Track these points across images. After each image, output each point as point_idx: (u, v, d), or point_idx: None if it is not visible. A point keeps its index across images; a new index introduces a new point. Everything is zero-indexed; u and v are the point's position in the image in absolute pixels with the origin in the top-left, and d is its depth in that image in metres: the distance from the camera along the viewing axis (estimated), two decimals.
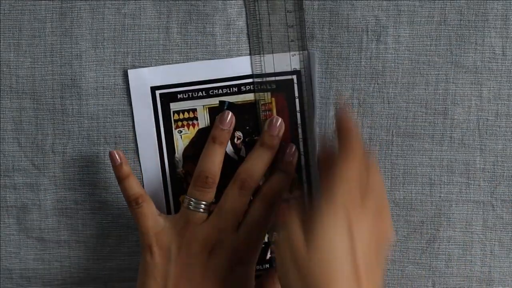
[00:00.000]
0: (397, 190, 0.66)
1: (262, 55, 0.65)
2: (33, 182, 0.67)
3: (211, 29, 0.65)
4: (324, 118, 0.66)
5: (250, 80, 0.65)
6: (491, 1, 0.64)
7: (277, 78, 0.65)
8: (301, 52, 0.65)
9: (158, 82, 0.65)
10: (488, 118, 0.66)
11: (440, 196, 0.67)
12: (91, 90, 0.66)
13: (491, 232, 0.67)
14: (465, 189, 0.67)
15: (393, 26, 0.65)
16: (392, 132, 0.66)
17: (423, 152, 0.66)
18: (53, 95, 0.66)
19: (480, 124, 0.66)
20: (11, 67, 0.66)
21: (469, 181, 0.67)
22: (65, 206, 0.67)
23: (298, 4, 0.64)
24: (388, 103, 0.66)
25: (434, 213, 0.67)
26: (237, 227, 0.62)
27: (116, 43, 0.65)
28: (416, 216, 0.67)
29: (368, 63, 0.65)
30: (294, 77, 0.65)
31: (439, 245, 0.67)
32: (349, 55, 0.65)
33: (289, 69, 0.65)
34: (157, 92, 0.65)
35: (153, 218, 0.63)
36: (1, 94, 0.66)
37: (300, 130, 0.66)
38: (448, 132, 0.66)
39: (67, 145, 0.66)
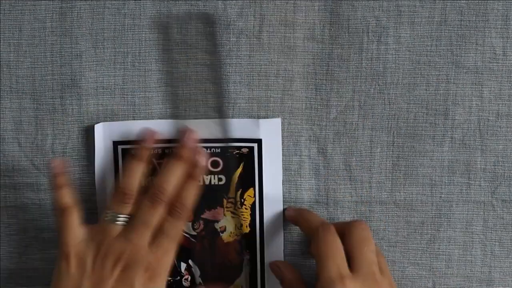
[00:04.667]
0: (397, 191, 0.66)
1: (226, 118, 0.66)
2: (33, 182, 0.67)
3: (211, 29, 0.65)
4: (324, 120, 0.66)
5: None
6: (491, 1, 0.64)
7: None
8: (266, 120, 0.66)
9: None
10: (489, 118, 0.66)
11: (440, 197, 0.67)
12: (91, 90, 0.66)
13: (491, 233, 0.67)
14: (465, 190, 0.67)
15: (394, 26, 0.65)
16: (393, 133, 0.66)
17: (424, 152, 0.66)
18: (53, 95, 0.66)
19: (481, 124, 0.66)
20: (11, 67, 0.65)
21: (470, 182, 0.67)
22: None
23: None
24: (389, 104, 0.66)
25: (435, 213, 0.67)
26: (149, 240, 0.62)
27: (116, 43, 0.65)
28: (417, 217, 0.67)
29: (369, 64, 0.65)
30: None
31: (439, 245, 0.67)
32: (349, 56, 0.65)
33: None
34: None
35: (75, 230, 0.63)
36: (1, 94, 0.66)
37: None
38: (449, 132, 0.66)
39: (67, 145, 0.66)
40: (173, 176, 0.64)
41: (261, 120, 0.66)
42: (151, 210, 0.63)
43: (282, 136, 0.66)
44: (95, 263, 0.61)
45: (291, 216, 0.66)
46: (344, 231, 0.61)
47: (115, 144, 0.66)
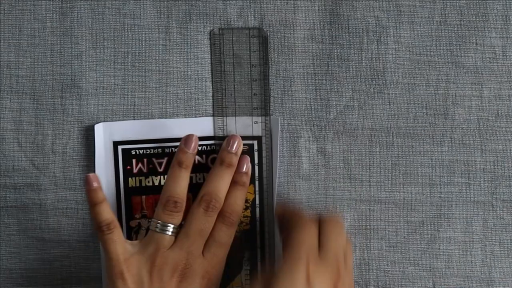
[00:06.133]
0: (397, 191, 0.66)
1: (225, 116, 0.66)
2: (33, 182, 0.67)
3: (211, 29, 0.65)
4: (324, 120, 0.66)
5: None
6: (491, 1, 0.64)
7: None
8: (263, 119, 0.66)
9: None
10: (489, 118, 0.66)
11: (440, 197, 0.67)
12: (91, 90, 0.66)
13: (491, 233, 0.67)
14: (465, 190, 0.67)
15: (394, 26, 0.65)
16: (393, 133, 0.66)
17: (423, 152, 0.66)
18: (53, 95, 0.66)
19: (481, 124, 0.66)
20: (11, 67, 0.65)
21: (470, 182, 0.66)
22: (65, 206, 0.67)
23: (263, 73, 0.65)
24: (389, 104, 0.66)
25: (434, 213, 0.67)
26: (203, 248, 0.63)
27: (116, 43, 0.65)
28: (416, 217, 0.67)
29: (369, 64, 0.65)
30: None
31: (439, 245, 0.67)
32: (349, 56, 0.65)
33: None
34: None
35: (122, 244, 0.62)
36: (1, 94, 0.66)
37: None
38: (449, 132, 0.66)
39: (67, 145, 0.66)
40: (224, 183, 0.64)
41: (260, 118, 0.66)
42: (206, 218, 0.62)
43: (282, 136, 0.66)
44: (152, 276, 0.61)
45: (278, 214, 0.66)
46: (319, 225, 0.61)
47: (116, 144, 0.66)
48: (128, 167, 0.66)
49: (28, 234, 0.68)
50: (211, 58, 0.65)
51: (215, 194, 0.63)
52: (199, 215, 0.62)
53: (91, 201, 0.62)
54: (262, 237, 0.67)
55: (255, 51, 0.65)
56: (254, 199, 0.67)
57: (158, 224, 0.62)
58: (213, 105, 0.66)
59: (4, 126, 0.66)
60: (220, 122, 0.66)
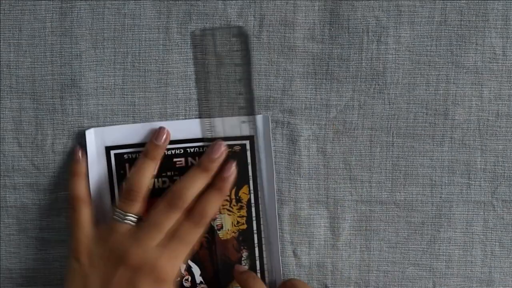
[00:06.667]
0: (397, 191, 0.66)
1: (211, 118, 0.66)
2: (33, 182, 0.67)
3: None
4: (324, 119, 0.66)
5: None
6: (491, 1, 0.64)
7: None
8: (251, 118, 0.65)
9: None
10: (489, 118, 0.66)
11: (440, 197, 0.67)
12: (91, 90, 0.66)
13: (491, 233, 0.67)
14: (465, 190, 0.67)
15: (394, 26, 0.65)
16: (393, 133, 0.66)
17: (424, 153, 0.66)
18: (53, 95, 0.66)
19: (481, 124, 0.66)
20: (11, 67, 0.65)
21: (470, 182, 0.66)
22: (65, 206, 0.67)
23: (247, 72, 0.65)
24: (389, 104, 0.66)
25: (435, 213, 0.67)
26: (159, 243, 0.62)
27: (116, 43, 0.65)
28: (417, 217, 0.67)
29: (369, 64, 0.65)
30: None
31: (439, 246, 0.67)
32: (349, 56, 0.65)
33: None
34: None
35: (86, 227, 0.63)
36: (1, 94, 0.66)
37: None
38: (449, 132, 0.66)
39: (67, 145, 0.66)
40: (195, 185, 0.63)
41: (249, 117, 0.66)
42: (166, 213, 0.62)
43: (282, 135, 0.66)
44: (103, 260, 0.62)
45: (237, 276, 0.66)
46: None
47: (108, 149, 0.66)
48: (122, 172, 0.66)
49: (28, 234, 0.68)
50: (194, 59, 0.65)
51: (181, 193, 0.63)
52: (159, 209, 0.63)
53: (70, 171, 0.64)
54: (259, 236, 0.67)
55: (237, 51, 0.65)
56: (250, 199, 0.67)
57: (117, 212, 0.63)
58: (198, 107, 0.66)
59: (4, 126, 0.66)
60: (207, 123, 0.66)
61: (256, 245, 0.67)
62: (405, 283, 0.68)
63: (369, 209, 0.67)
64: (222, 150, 0.64)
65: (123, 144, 0.66)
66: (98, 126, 0.66)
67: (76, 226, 0.63)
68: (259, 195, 0.67)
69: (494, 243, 0.67)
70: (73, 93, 0.66)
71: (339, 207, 0.67)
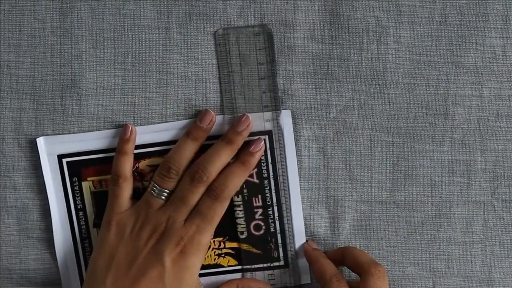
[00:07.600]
0: (398, 191, 0.66)
1: (235, 115, 0.65)
2: (33, 182, 0.67)
3: (211, 29, 0.65)
4: (324, 120, 0.66)
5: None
6: (491, 1, 0.64)
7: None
8: (274, 116, 0.65)
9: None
10: (489, 118, 0.66)
11: (440, 197, 0.67)
12: (91, 90, 0.66)
13: (491, 233, 0.67)
14: (465, 190, 0.67)
15: (394, 26, 0.65)
16: (393, 133, 0.66)
17: (424, 153, 0.66)
18: (53, 95, 0.66)
19: (481, 124, 0.66)
20: (11, 67, 0.65)
21: (470, 182, 0.66)
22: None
23: (270, 70, 0.65)
24: (389, 104, 0.66)
25: (435, 213, 0.67)
26: (186, 217, 0.63)
27: (116, 43, 0.65)
28: (417, 217, 0.67)
29: (369, 64, 0.65)
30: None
31: (439, 245, 0.67)
32: (349, 56, 0.65)
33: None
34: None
35: (124, 202, 0.64)
36: (1, 94, 0.66)
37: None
38: (449, 132, 0.66)
39: None
40: (219, 158, 0.63)
41: (271, 114, 0.65)
42: (190, 188, 0.62)
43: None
44: (132, 232, 0.63)
45: (307, 254, 0.66)
46: (361, 276, 0.62)
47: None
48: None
49: (28, 234, 0.68)
50: (217, 60, 0.65)
51: (204, 167, 0.62)
52: (185, 184, 0.63)
53: (118, 148, 0.65)
54: (283, 235, 0.67)
55: (260, 49, 0.65)
56: (271, 199, 0.66)
57: (154, 188, 0.64)
58: (221, 106, 0.66)
59: (4, 126, 0.66)
60: (230, 120, 0.66)
61: (280, 244, 0.67)
62: (405, 282, 0.68)
63: (369, 209, 0.67)
64: (248, 123, 0.64)
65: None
66: (98, 126, 0.66)
67: (115, 200, 0.64)
68: (281, 194, 0.66)
69: (494, 243, 0.67)
70: (73, 94, 0.66)
71: (339, 207, 0.67)
